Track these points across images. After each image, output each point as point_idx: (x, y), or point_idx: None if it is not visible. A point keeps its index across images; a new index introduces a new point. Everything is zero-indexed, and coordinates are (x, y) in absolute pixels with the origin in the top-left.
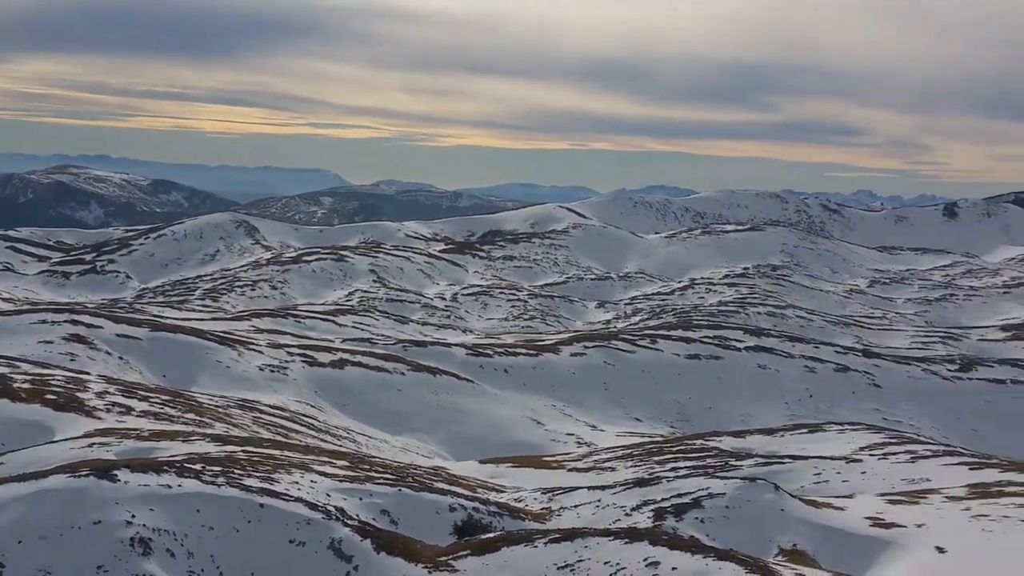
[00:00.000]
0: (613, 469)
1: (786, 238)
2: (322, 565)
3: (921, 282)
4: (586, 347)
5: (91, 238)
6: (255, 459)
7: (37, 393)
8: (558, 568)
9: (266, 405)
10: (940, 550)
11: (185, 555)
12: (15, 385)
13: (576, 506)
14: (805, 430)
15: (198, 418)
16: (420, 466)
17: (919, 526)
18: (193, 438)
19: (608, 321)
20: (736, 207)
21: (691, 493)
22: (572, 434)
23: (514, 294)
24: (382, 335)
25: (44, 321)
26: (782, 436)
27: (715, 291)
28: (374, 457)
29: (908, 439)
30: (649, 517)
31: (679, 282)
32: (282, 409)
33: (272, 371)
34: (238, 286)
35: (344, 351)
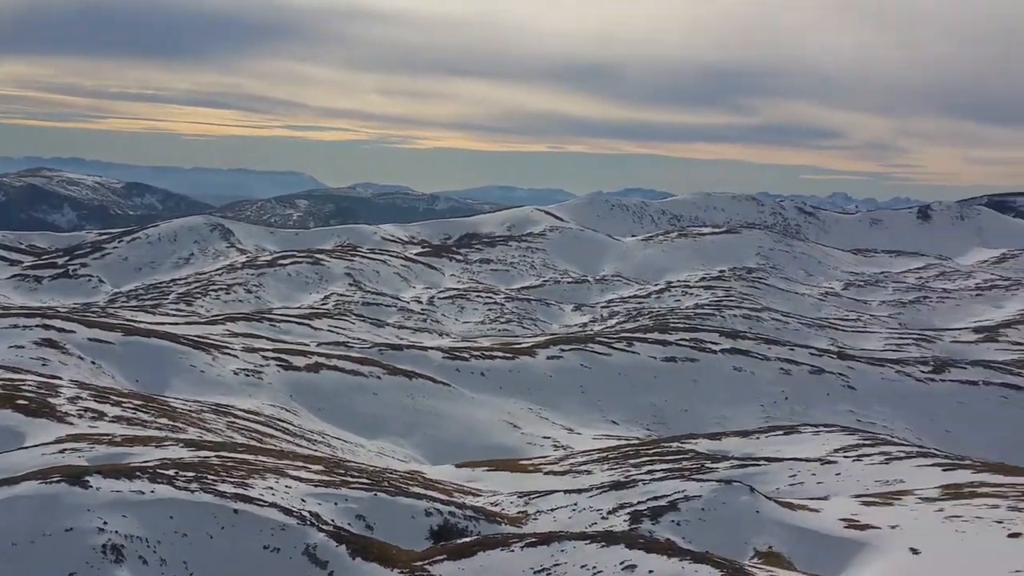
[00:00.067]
0: (589, 472)
1: (762, 241)
2: (297, 571)
3: (895, 284)
4: (563, 350)
5: (64, 241)
6: (229, 464)
7: (8, 398)
8: (535, 572)
9: (240, 409)
10: (914, 551)
11: (158, 562)
12: None
13: (552, 510)
14: (780, 432)
15: (171, 423)
16: (396, 470)
17: (893, 527)
18: (166, 443)
19: (585, 324)
20: (712, 210)
21: (667, 496)
22: (548, 437)
23: (491, 297)
24: (358, 339)
25: (15, 326)
26: (757, 438)
27: (691, 294)
28: (349, 462)
29: (882, 441)
30: (625, 520)
31: (655, 285)
32: (257, 413)
33: (247, 375)
34: (212, 290)
35: (319, 355)
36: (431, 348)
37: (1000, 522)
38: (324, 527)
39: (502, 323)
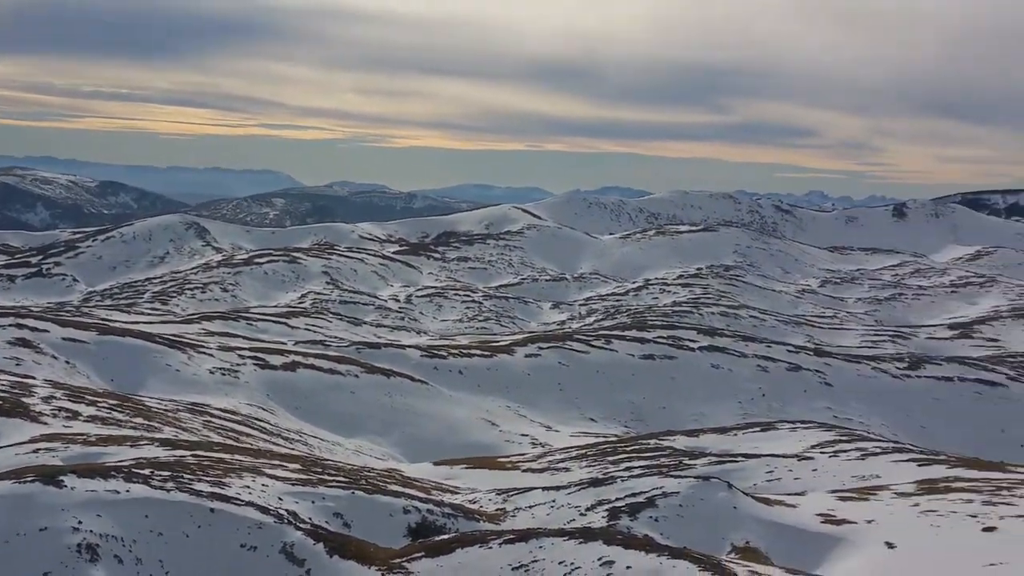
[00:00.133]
0: (568, 469)
1: (739, 238)
2: (274, 569)
3: (871, 282)
4: (541, 348)
5: (37, 241)
6: (205, 463)
7: None
8: (512, 569)
9: (217, 409)
10: (890, 545)
11: (133, 561)
12: None
13: (531, 507)
14: (758, 429)
15: (147, 422)
16: (374, 469)
17: (869, 522)
18: (142, 443)
19: (563, 322)
20: (690, 208)
21: (645, 492)
22: (527, 435)
23: (469, 295)
24: (335, 337)
25: None
26: (735, 435)
27: (669, 291)
28: (327, 460)
29: (858, 436)
30: (604, 517)
31: (633, 283)
32: (233, 412)
33: (223, 374)
34: (188, 289)
35: (296, 353)
36: (409, 346)
37: (974, 516)
38: (301, 525)
39: (480, 321)
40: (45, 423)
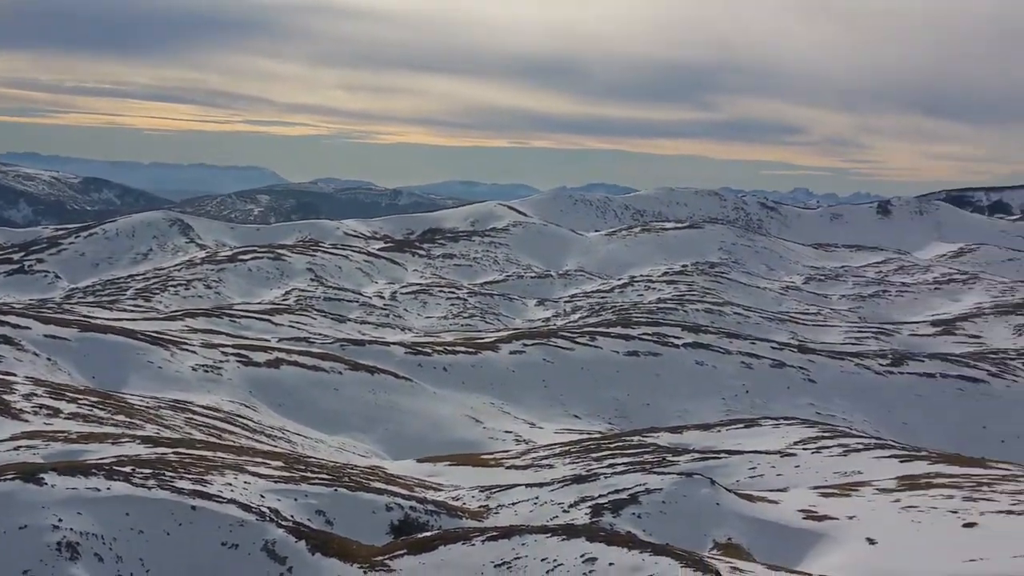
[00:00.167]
0: (551, 466)
1: (724, 235)
2: (256, 567)
3: (855, 279)
4: (525, 345)
5: (19, 237)
6: (187, 461)
7: None
8: (495, 566)
9: (199, 406)
10: (871, 541)
11: (114, 559)
12: None
13: (514, 504)
14: (741, 425)
15: (128, 420)
16: (357, 466)
17: (851, 518)
18: (123, 440)
19: (548, 319)
20: (675, 205)
21: (628, 489)
22: (511, 432)
23: (454, 292)
24: (319, 334)
25: None
26: (718, 431)
27: (654, 288)
28: (310, 457)
29: (841, 433)
30: (587, 513)
31: (619, 279)
32: (216, 410)
33: (206, 371)
34: (171, 285)
35: (280, 350)
36: (393, 343)
37: (955, 512)
38: (283, 523)
39: (465, 318)
40: (26, 420)
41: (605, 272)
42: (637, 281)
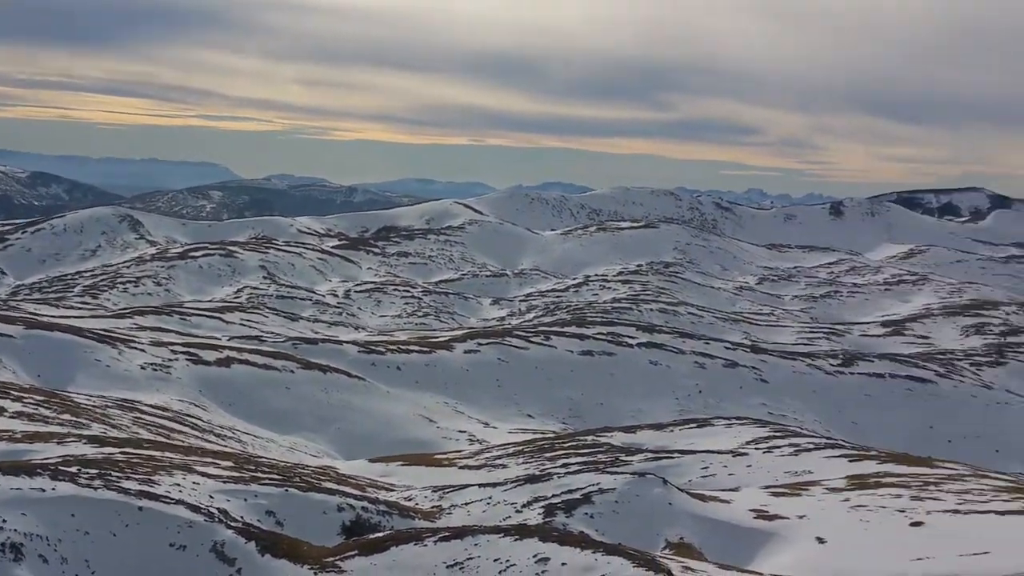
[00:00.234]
0: (504, 466)
1: (679, 235)
2: (204, 568)
3: (807, 279)
4: (480, 344)
5: None
6: (134, 461)
7: None
8: (447, 566)
9: (147, 405)
10: (820, 540)
11: (59, 560)
12: None
13: (467, 504)
14: (694, 425)
15: (75, 419)
16: (308, 466)
17: (801, 517)
18: (69, 440)
19: (503, 318)
20: (631, 204)
21: (581, 489)
22: (464, 431)
23: (408, 291)
24: (271, 333)
25: None
26: (671, 431)
27: (609, 288)
28: (260, 457)
29: (792, 432)
30: (540, 514)
31: (574, 279)
32: (164, 409)
33: (154, 370)
34: (120, 283)
35: (231, 349)
36: (346, 342)
37: (903, 511)
38: (232, 524)
39: (419, 317)
40: None
41: (560, 271)
42: (592, 280)
